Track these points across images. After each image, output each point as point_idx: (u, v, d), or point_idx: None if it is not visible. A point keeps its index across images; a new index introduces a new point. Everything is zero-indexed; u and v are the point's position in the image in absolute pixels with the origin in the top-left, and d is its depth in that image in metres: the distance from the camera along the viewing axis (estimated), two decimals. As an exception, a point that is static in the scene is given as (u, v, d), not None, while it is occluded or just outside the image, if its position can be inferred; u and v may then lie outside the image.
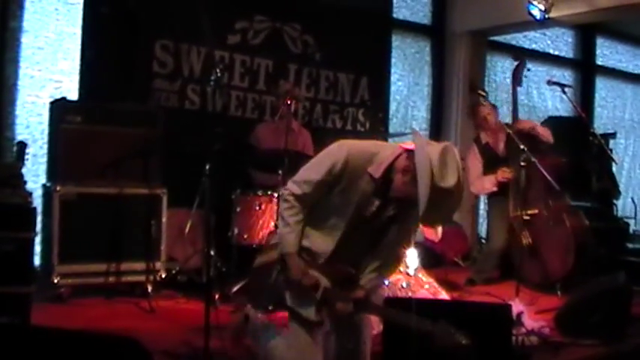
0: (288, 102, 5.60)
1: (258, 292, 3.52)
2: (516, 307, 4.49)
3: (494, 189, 6.27)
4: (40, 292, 4.72)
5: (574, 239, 6.02)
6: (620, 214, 8.43)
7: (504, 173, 6.13)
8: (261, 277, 3.47)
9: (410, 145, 3.22)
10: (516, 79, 6.33)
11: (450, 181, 3.05)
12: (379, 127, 7.42)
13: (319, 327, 3.41)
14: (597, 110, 10.27)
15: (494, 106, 6.55)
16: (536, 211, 6.13)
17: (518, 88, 6.36)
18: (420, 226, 4.52)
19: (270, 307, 3.49)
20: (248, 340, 3.87)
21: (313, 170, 3.36)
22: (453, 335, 3.10)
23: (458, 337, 3.09)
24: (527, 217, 6.06)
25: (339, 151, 3.33)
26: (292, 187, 3.37)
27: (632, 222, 8.57)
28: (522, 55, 6.57)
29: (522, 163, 5.72)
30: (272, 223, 5.42)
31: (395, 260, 3.60)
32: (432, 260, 6.44)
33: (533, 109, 7.18)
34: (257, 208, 5.52)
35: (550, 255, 6.08)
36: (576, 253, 5.97)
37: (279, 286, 3.39)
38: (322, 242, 3.41)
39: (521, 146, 5.65)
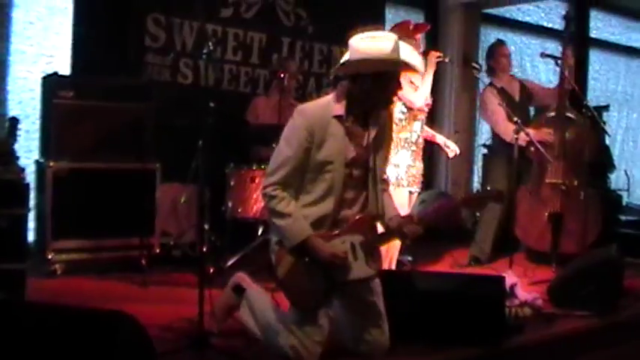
0: (281, 75, 5.58)
1: (300, 297, 3.47)
2: (509, 278, 4.50)
3: (523, 143, 5.90)
4: (35, 268, 4.74)
5: (600, 220, 6.04)
6: (613, 186, 8.45)
7: (546, 134, 5.98)
8: (298, 283, 3.43)
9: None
10: None
11: (384, 44, 3.39)
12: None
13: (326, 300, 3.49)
14: (590, 83, 10.23)
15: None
16: (560, 180, 6.06)
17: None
18: None
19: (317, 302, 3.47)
20: (239, 315, 3.82)
21: (284, 150, 3.43)
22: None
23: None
24: (563, 187, 6.02)
25: (298, 115, 3.44)
26: (271, 179, 3.42)
27: (625, 194, 8.58)
28: None
29: (515, 136, 5.67)
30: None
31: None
32: (428, 234, 6.42)
33: (526, 82, 7.20)
34: (251, 181, 5.49)
35: (572, 230, 5.99)
36: (599, 234, 5.98)
37: (318, 279, 3.42)
38: (323, 205, 3.45)
39: (514, 119, 5.62)
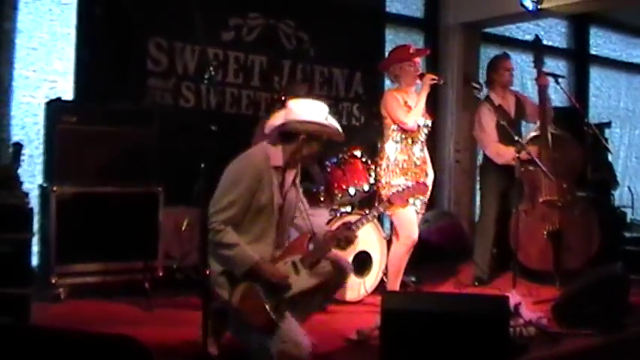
0: (282, 98, 5.61)
1: (259, 317, 3.68)
2: (513, 298, 4.51)
3: (513, 163, 5.58)
4: (39, 293, 4.74)
5: (599, 232, 6.04)
6: (617, 203, 8.43)
7: (534, 151, 5.79)
8: (254, 305, 3.68)
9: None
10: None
11: (319, 112, 4.01)
12: (374, 122, 7.42)
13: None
14: (592, 100, 10.28)
15: None
16: (555, 197, 6.07)
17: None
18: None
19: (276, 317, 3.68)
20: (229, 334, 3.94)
21: (233, 190, 3.74)
22: None
23: None
24: (560, 204, 6.03)
25: (246, 159, 3.86)
26: (220, 217, 3.70)
27: (629, 211, 8.57)
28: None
29: (517, 156, 5.58)
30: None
31: None
32: (432, 254, 6.42)
33: (528, 101, 7.21)
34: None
35: (573, 245, 6.02)
36: (599, 247, 6.00)
37: (270, 298, 3.70)
38: (258, 247, 3.78)
39: (516, 137, 5.60)
